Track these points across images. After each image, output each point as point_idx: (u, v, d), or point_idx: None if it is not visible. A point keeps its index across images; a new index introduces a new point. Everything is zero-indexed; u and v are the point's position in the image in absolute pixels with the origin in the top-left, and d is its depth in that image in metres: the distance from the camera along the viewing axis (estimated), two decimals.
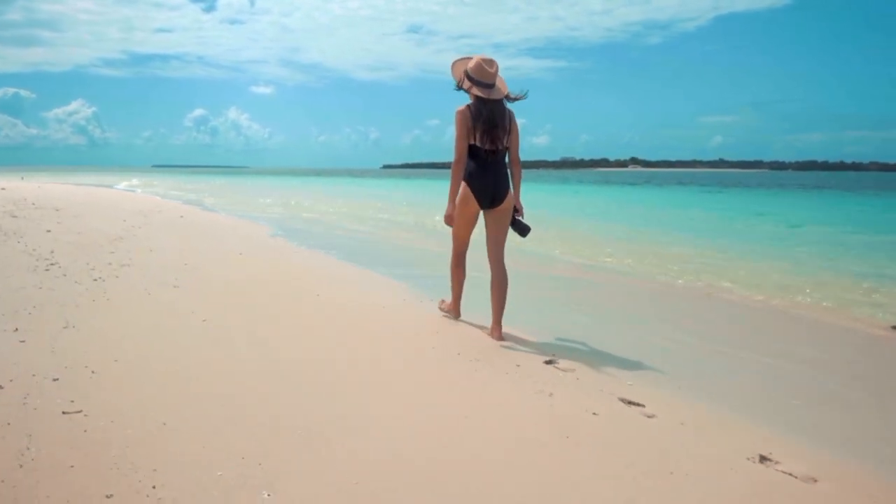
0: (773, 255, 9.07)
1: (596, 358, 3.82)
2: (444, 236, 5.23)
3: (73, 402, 2.71)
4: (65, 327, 3.88)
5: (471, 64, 4.13)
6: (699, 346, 4.33)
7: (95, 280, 5.40)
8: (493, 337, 4.13)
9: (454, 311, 4.64)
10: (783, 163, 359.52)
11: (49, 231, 8.71)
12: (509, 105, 4.24)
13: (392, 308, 5.02)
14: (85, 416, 2.58)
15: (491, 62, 4.10)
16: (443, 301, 4.86)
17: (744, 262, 8.27)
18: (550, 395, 3.12)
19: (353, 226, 12.77)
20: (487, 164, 4.15)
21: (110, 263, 6.28)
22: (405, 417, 2.76)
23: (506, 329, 4.18)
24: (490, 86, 4.11)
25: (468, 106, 4.14)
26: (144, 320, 4.19)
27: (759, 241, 11.21)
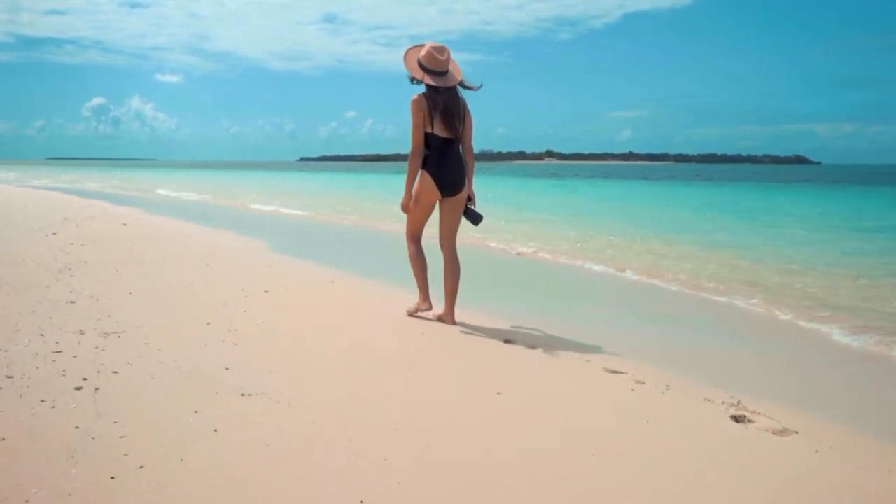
0: None
1: None
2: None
3: None
4: None
5: (422, 52, 4.02)
6: None
7: (79, 389, 2.69)
8: (446, 321, 4.15)
9: (425, 303, 4.31)
10: (687, 155, 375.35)
11: None
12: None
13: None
14: None
15: (442, 49, 4.00)
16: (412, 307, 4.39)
17: None
18: None
19: (351, 231, 10.15)
20: (445, 152, 4.10)
21: (82, 332, 3.53)
22: None
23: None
24: (443, 73, 4.02)
25: (423, 94, 4.03)
26: None
27: None
